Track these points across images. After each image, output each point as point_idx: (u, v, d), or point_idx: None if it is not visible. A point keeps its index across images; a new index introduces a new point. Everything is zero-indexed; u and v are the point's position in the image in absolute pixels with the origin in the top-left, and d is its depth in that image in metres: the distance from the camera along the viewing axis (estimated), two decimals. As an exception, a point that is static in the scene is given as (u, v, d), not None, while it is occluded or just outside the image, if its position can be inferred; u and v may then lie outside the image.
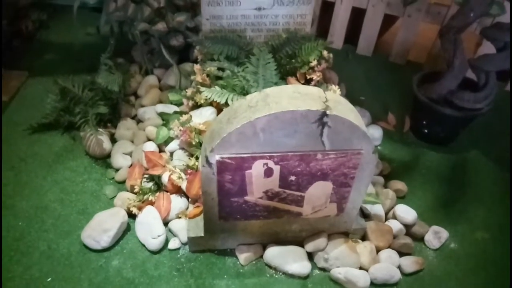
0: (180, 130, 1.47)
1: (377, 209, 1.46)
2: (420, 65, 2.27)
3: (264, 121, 1.01)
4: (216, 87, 1.54)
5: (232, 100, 1.47)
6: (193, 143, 1.45)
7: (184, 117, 1.50)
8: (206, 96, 1.50)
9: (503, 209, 1.59)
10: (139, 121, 1.76)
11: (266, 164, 1.10)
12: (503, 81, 2.14)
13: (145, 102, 1.79)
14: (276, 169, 1.11)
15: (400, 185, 1.59)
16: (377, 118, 1.91)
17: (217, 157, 1.07)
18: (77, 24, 1.98)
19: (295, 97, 1.03)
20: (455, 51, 1.62)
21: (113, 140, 1.68)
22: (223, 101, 1.48)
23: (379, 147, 1.80)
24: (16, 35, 2.19)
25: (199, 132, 1.46)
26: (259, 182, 1.14)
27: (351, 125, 1.04)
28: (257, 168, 1.10)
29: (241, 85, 1.56)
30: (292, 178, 1.14)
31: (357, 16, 2.24)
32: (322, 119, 1.02)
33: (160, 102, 1.81)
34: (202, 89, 1.53)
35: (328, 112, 1.01)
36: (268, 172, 1.12)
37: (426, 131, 1.81)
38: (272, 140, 1.05)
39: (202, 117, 1.54)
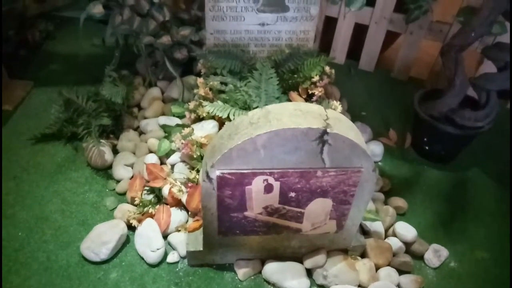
0: (182, 143, 1.48)
1: (377, 226, 1.46)
2: (421, 81, 2.28)
3: (265, 137, 1.01)
4: (219, 101, 1.56)
5: (234, 115, 1.48)
6: (194, 156, 1.46)
7: (186, 130, 1.51)
8: (209, 111, 1.51)
9: (503, 228, 1.59)
10: (141, 133, 1.77)
11: (266, 180, 1.10)
12: (504, 99, 2.14)
13: (148, 114, 1.81)
14: (276, 185, 1.12)
15: (400, 202, 1.59)
16: (378, 134, 1.92)
17: (218, 172, 1.07)
18: (83, 36, 2.01)
19: (296, 115, 1.04)
20: (456, 70, 1.63)
21: (115, 152, 1.68)
22: (225, 116, 1.49)
23: (380, 163, 1.81)
24: (22, 45, 2.22)
25: (201, 146, 1.47)
26: (259, 198, 1.15)
27: (351, 143, 1.05)
28: (257, 184, 1.11)
29: (244, 99, 1.57)
30: (292, 194, 1.15)
31: (359, 32, 2.27)
32: (322, 137, 1.03)
33: (163, 114, 1.81)
34: (204, 103, 1.54)
35: (328, 130, 1.01)
36: (268, 188, 1.13)
37: (427, 148, 1.81)
38: (273, 156, 1.06)
39: (204, 130, 1.55)
